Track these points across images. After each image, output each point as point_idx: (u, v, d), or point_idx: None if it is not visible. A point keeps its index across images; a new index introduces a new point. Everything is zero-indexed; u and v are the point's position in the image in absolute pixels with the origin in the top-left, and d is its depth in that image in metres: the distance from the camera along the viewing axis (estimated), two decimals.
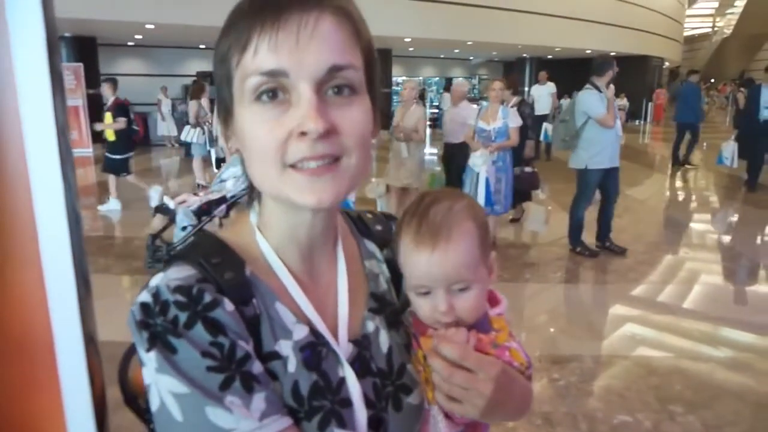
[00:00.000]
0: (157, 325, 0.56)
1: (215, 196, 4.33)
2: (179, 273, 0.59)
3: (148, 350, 0.55)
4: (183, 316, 0.56)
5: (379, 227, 0.80)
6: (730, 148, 8.02)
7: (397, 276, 0.79)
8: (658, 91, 18.44)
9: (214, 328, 0.56)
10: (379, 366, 0.69)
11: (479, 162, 5.08)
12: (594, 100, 4.88)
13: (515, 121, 5.19)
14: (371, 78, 0.62)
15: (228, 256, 0.63)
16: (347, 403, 0.64)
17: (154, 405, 0.56)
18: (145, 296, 0.58)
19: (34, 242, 0.67)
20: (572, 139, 5.03)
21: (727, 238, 6.30)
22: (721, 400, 2.90)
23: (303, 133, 0.55)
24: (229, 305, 0.59)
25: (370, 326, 0.71)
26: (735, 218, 7.32)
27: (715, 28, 37.34)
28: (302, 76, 0.55)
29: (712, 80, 33.65)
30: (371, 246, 0.78)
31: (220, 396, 0.54)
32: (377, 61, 0.64)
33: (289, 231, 0.66)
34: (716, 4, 34.31)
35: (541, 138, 10.99)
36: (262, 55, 0.55)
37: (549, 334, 3.67)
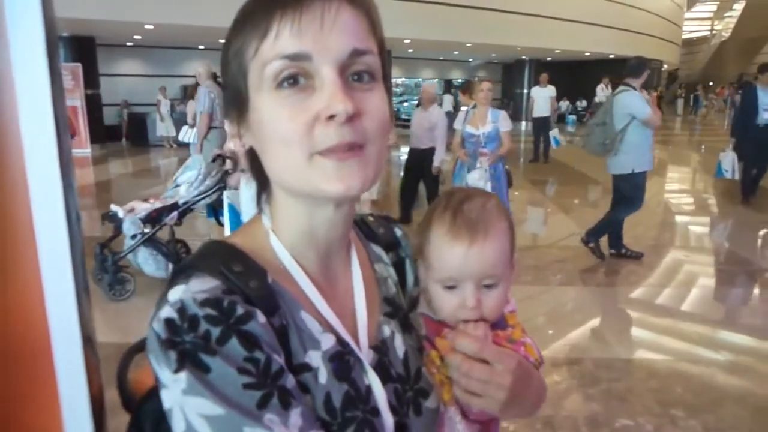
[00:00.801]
0: (186, 343, 0.51)
1: (168, 202, 4.30)
2: (203, 285, 0.54)
3: (177, 371, 0.50)
4: (216, 331, 0.51)
5: (382, 230, 0.79)
6: (729, 159, 7.12)
7: (402, 279, 0.79)
8: (653, 94, 18.50)
9: (249, 342, 0.52)
10: (398, 371, 0.68)
11: (480, 183, 4.73)
12: (638, 101, 4.67)
13: (506, 125, 4.92)
14: (385, 72, 0.61)
15: (248, 264, 0.59)
16: (376, 411, 0.62)
17: (179, 430, 0.51)
18: (169, 312, 0.52)
19: (32, 243, 0.66)
20: (612, 143, 4.78)
21: (726, 241, 6.30)
22: (722, 403, 2.89)
23: (331, 117, 0.53)
24: (261, 317, 0.55)
25: (387, 331, 0.69)
26: (735, 221, 7.32)
27: (714, 31, 37.46)
28: (326, 60, 0.54)
29: (711, 83, 33.76)
30: (378, 249, 0.77)
31: (258, 415, 0.50)
32: (387, 57, 0.63)
33: (308, 232, 0.62)
34: (714, 8, 34.44)
35: (553, 144, 11.02)
36: (284, 39, 0.54)
37: (549, 336, 3.66)
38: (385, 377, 0.65)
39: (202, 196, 4.22)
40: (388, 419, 0.62)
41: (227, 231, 4.31)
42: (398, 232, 0.81)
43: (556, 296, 4.40)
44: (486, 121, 4.82)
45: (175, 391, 0.50)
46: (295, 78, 0.54)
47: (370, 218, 0.81)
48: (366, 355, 0.65)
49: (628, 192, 4.92)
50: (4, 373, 0.65)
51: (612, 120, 4.76)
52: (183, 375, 0.50)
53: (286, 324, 0.58)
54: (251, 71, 0.56)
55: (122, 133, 15.36)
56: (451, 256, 0.69)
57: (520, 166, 11.42)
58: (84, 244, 0.72)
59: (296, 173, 0.56)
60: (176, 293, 0.54)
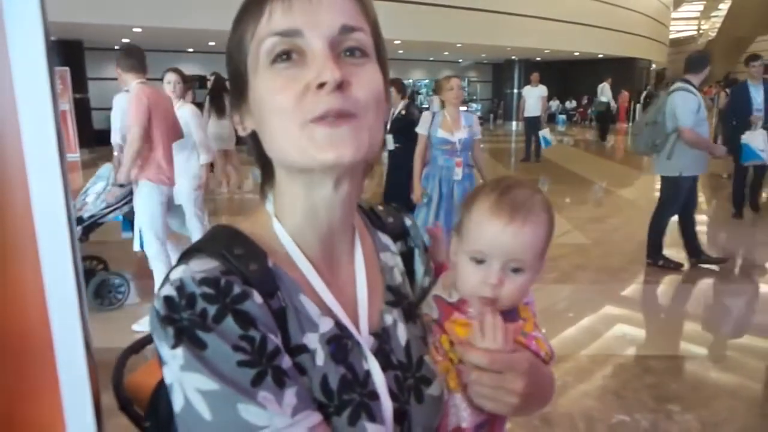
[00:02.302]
0: (183, 320, 0.53)
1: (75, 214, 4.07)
2: (203, 265, 0.56)
3: (174, 347, 0.52)
4: (212, 309, 0.53)
5: (391, 219, 0.80)
6: (760, 138, 5.74)
7: (410, 269, 0.79)
8: (624, 94, 18.56)
9: (244, 321, 0.54)
10: (399, 359, 0.68)
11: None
12: (686, 104, 4.32)
13: (479, 131, 4.30)
14: (381, 56, 0.63)
15: (250, 247, 0.60)
16: (375, 395, 0.63)
17: (178, 405, 0.53)
18: (169, 290, 0.54)
19: (33, 245, 0.65)
20: (663, 143, 4.49)
21: (719, 237, 6.35)
22: (717, 398, 2.91)
23: (321, 85, 0.55)
24: (258, 297, 0.57)
25: (389, 319, 0.70)
26: (727, 218, 7.38)
27: (700, 31, 37.80)
28: (316, 35, 0.56)
29: None
30: (385, 238, 0.78)
31: (252, 392, 0.52)
32: (383, 41, 0.65)
33: (309, 213, 0.63)
34: (701, 7, 34.74)
35: (542, 144, 11.00)
36: (276, 17, 0.57)
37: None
38: (386, 364, 0.66)
39: (112, 208, 3.87)
40: (387, 404, 0.63)
41: (136, 246, 4.05)
42: (408, 221, 0.82)
43: (550, 294, 4.42)
44: (460, 125, 4.12)
45: (174, 367, 0.52)
46: (288, 53, 0.57)
47: (380, 207, 0.82)
48: (366, 340, 0.65)
49: (668, 195, 4.68)
50: (7, 372, 0.65)
51: (663, 119, 4.44)
52: (180, 351, 0.52)
53: (284, 306, 0.60)
54: (250, 54, 0.59)
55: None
56: (487, 230, 0.72)
57: (511, 165, 11.47)
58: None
59: (292, 143, 0.57)
60: (177, 272, 0.56)
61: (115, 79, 3.83)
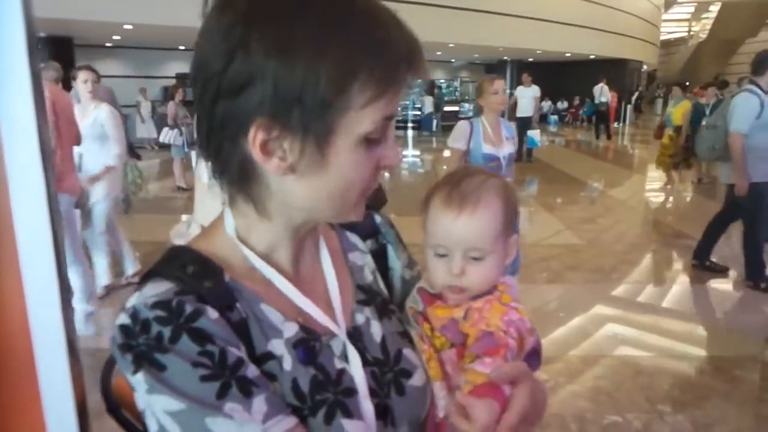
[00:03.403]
0: (140, 345, 0.54)
1: None
2: (155, 289, 0.57)
3: (135, 372, 0.53)
4: (167, 331, 0.54)
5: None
6: None
7: (382, 266, 0.80)
8: (612, 94, 18.60)
9: (200, 338, 0.55)
10: (374, 355, 0.69)
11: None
12: (744, 107, 4.00)
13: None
14: None
15: (204, 265, 0.61)
16: (351, 392, 0.63)
17: (153, 430, 0.54)
18: (124, 318, 0.56)
19: (13, 249, 0.63)
20: (722, 149, 4.18)
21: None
22: (708, 399, 2.92)
23: (386, 167, 0.60)
24: (212, 313, 0.57)
25: (360, 318, 0.71)
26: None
27: (691, 33, 38.04)
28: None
29: (687, 83, 34.30)
30: (354, 238, 0.79)
31: (218, 405, 0.53)
32: None
33: (288, 235, 0.65)
34: (692, 9, 34.97)
35: (528, 145, 11.04)
36: (395, 101, 0.57)
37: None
38: (361, 362, 0.66)
39: None
40: (366, 399, 0.64)
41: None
42: (378, 218, 0.83)
43: (542, 294, 4.42)
44: (502, 137, 3.35)
45: (141, 392, 0.54)
46: (380, 140, 0.59)
47: None
48: (344, 337, 0.67)
49: (749, 205, 4.18)
50: None
51: (724, 123, 4.14)
52: (141, 376, 0.53)
53: (245, 317, 0.60)
54: (346, 112, 0.55)
55: None
56: (440, 224, 0.74)
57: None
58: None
59: (341, 209, 0.61)
60: (131, 300, 0.57)
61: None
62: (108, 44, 14.97)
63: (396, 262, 0.82)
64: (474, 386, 0.61)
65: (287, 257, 0.66)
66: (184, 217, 4.22)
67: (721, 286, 4.87)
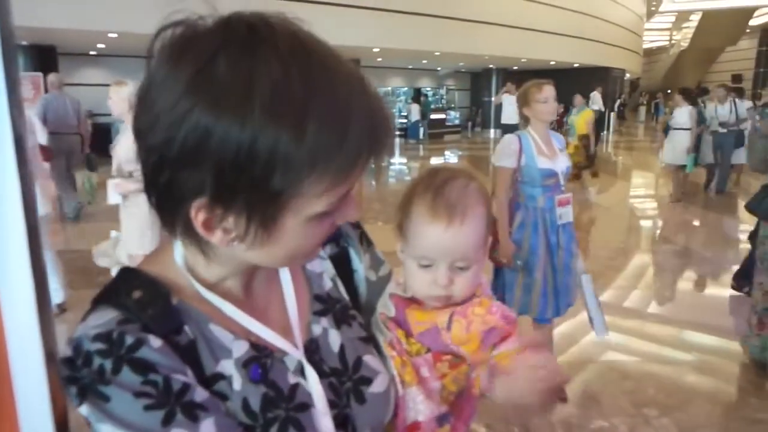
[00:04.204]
0: (83, 378, 0.54)
1: None
2: (98, 319, 0.57)
3: (80, 404, 0.54)
4: (108, 363, 0.54)
5: None
6: None
7: (345, 270, 0.78)
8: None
9: (142, 368, 0.55)
10: (331, 366, 0.69)
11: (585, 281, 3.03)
12: None
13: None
14: None
15: (150, 289, 0.60)
16: (303, 407, 0.63)
17: None
18: (67, 351, 0.56)
19: None
20: None
21: (691, 243, 6.46)
22: (693, 402, 2.94)
23: (335, 225, 0.61)
24: (155, 341, 0.57)
25: (317, 329, 0.71)
26: (698, 223, 7.52)
27: (673, 41, 38.65)
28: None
29: (669, 91, 34.80)
30: None
31: None
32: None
33: (239, 270, 0.65)
34: (673, 18, 35.53)
35: None
36: (356, 176, 0.56)
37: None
38: (318, 374, 0.67)
39: None
40: (324, 412, 0.64)
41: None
42: None
43: None
44: (554, 149, 2.86)
45: (93, 423, 0.54)
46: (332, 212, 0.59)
47: None
48: (300, 352, 0.67)
49: None
50: None
51: None
52: (86, 408, 0.54)
53: (194, 339, 0.60)
54: (301, 201, 0.53)
55: None
56: (428, 237, 0.72)
57: (489, 173, 11.53)
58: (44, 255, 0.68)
59: (294, 263, 0.66)
60: (76, 332, 0.57)
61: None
62: (92, 52, 14.86)
63: (359, 264, 0.79)
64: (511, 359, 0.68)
65: (238, 284, 0.66)
66: (112, 233, 3.75)
67: (706, 290, 4.92)
